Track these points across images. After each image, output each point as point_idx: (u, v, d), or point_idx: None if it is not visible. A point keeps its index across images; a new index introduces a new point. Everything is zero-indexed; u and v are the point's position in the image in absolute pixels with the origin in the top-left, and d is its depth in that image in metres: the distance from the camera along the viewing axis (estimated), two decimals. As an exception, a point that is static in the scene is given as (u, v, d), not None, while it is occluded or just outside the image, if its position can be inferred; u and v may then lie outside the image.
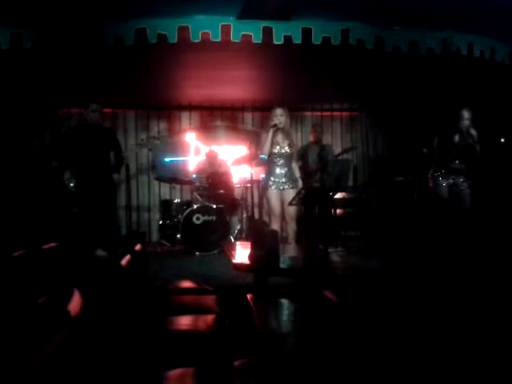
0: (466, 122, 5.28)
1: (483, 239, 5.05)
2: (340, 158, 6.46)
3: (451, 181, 5.38)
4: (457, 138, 5.35)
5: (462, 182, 5.37)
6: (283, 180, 5.26)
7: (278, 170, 5.27)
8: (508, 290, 2.17)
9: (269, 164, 5.34)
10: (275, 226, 5.13)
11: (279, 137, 5.27)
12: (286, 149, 5.29)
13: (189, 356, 1.78)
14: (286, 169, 5.29)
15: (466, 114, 5.29)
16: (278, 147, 5.26)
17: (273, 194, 5.23)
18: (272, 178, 5.25)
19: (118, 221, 5.77)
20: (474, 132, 5.27)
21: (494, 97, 6.49)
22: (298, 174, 5.46)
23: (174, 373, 1.54)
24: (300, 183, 5.39)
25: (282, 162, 5.27)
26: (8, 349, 1.07)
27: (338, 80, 6.56)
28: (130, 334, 1.90)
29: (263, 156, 5.40)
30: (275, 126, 5.17)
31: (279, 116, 5.20)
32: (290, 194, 5.15)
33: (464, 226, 5.11)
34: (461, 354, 1.41)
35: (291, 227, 5.32)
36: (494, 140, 6.33)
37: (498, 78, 5.80)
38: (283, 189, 5.25)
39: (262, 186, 5.61)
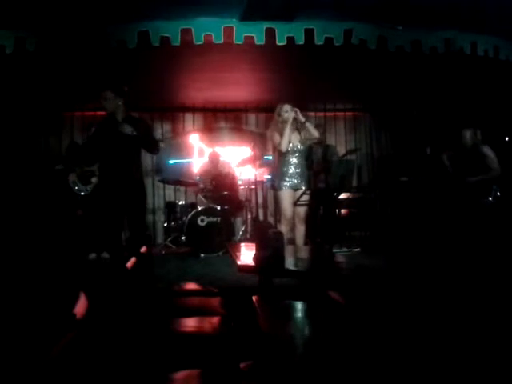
0: None
1: (487, 238, 5.03)
2: (344, 158, 6.46)
3: None
4: None
5: None
6: (298, 180, 5.05)
7: (291, 169, 5.04)
8: (509, 290, 2.16)
9: (280, 163, 5.09)
10: (285, 228, 4.95)
11: (291, 134, 5.04)
12: (299, 146, 5.09)
13: (194, 358, 1.78)
14: (299, 167, 5.08)
15: None
16: (290, 144, 5.04)
17: (286, 194, 5.01)
18: (286, 178, 5.02)
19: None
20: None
21: (498, 95, 6.47)
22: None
23: (180, 375, 1.54)
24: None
25: (294, 160, 5.06)
26: (15, 352, 1.08)
27: (341, 80, 6.55)
28: (136, 337, 1.90)
29: (267, 157, 5.35)
30: (294, 120, 4.98)
31: (290, 111, 4.98)
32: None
33: (469, 225, 5.10)
34: (463, 353, 1.40)
35: (299, 229, 5.12)
36: (499, 139, 6.32)
37: (502, 76, 5.77)
38: (296, 189, 5.03)
39: (273, 187, 5.42)
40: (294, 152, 5.08)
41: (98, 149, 4.63)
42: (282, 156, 5.09)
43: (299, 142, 5.11)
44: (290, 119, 4.98)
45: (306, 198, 5.05)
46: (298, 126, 5.09)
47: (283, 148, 5.00)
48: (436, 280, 2.46)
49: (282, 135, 4.99)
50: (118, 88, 4.64)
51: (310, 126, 5.13)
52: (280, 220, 5.24)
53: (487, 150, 5.33)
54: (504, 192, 5.41)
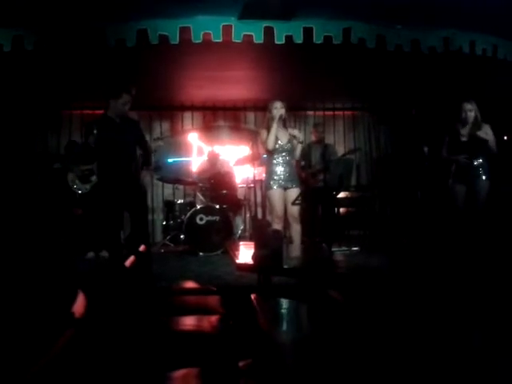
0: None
1: (487, 238, 5.04)
2: (343, 157, 6.46)
3: None
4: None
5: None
6: (286, 178, 4.96)
7: (279, 168, 4.97)
8: (508, 290, 2.16)
9: (269, 162, 5.05)
10: (278, 226, 4.81)
11: (279, 132, 4.98)
12: (287, 144, 5.01)
13: (193, 357, 1.78)
14: (287, 166, 4.99)
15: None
16: (278, 142, 4.97)
17: (275, 193, 4.93)
18: (274, 177, 4.95)
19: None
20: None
21: (496, 94, 6.47)
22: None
23: (179, 373, 1.54)
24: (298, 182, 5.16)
25: (282, 158, 4.98)
26: (13, 351, 1.08)
27: (340, 79, 6.55)
28: (135, 335, 1.90)
29: (265, 156, 5.31)
30: (281, 117, 4.91)
31: (280, 108, 4.91)
32: (294, 193, 4.91)
33: (469, 225, 5.11)
34: (460, 352, 1.40)
35: (295, 228, 5.04)
36: (497, 137, 6.32)
37: (500, 75, 5.78)
38: (286, 188, 4.96)
39: (264, 186, 5.40)
40: (281, 151, 5.01)
41: (101, 149, 4.59)
42: (269, 154, 5.03)
43: (287, 140, 5.04)
44: (277, 116, 4.91)
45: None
46: (287, 125, 5.07)
47: (269, 146, 4.93)
48: (435, 278, 2.46)
49: (269, 132, 4.94)
50: None
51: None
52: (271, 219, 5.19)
53: (489, 130, 5.23)
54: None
